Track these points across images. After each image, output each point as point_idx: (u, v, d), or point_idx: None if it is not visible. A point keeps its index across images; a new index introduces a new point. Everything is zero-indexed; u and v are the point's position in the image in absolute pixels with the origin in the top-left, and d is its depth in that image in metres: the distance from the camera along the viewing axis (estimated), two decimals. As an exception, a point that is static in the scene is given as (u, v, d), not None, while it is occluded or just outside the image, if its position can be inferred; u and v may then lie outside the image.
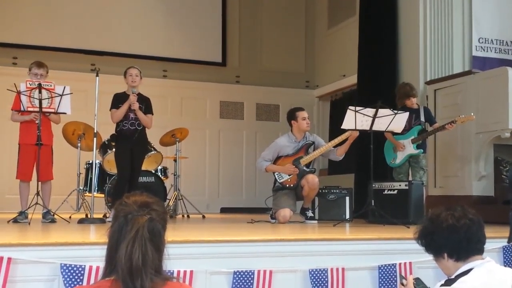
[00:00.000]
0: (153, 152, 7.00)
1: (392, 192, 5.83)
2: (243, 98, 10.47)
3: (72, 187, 7.22)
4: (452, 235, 2.23)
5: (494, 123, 5.96)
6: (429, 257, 2.39)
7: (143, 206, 1.84)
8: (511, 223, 3.93)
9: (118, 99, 5.82)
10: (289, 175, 6.05)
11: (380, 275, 3.64)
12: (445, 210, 2.27)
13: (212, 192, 10.10)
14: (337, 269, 3.54)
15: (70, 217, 6.12)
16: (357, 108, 5.44)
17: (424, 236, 2.32)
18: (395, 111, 5.58)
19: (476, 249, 2.26)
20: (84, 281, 3.00)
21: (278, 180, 6.10)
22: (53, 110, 5.34)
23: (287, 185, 6.06)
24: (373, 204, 5.45)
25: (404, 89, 6.24)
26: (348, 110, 5.47)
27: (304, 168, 6.04)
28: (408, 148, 6.10)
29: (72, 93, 5.36)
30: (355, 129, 5.56)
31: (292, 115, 6.21)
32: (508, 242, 3.91)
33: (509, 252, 3.89)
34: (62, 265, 3.02)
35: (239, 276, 3.35)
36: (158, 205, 1.88)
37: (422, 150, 6.12)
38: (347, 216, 6.27)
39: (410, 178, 6.16)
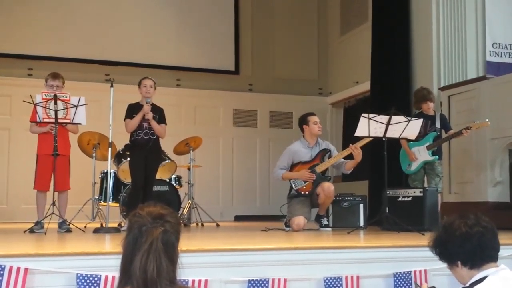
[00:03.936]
0: (167, 161, 7.03)
1: (406, 199, 5.80)
2: (256, 106, 10.49)
3: (88, 196, 7.27)
4: (466, 243, 2.22)
5: (509, 128, 5.92)
6: (444, 264, 2.39)
7: (157, 218, 1.86)
8: None
9: (132, 109, 5.87)
10: (305, 182, 6.05)
11: (395, 283, 3.62)
12: (458, 218, 2.27)
13: (226, 200, 10.11)
14: (352, 277, 3.53)
15: (85, 226, 6.16)
16: (371, 115, 5.43)
17: (437, 245, 2.31)
18: (409, 118, 5.56)
19: (490, 257, 2.25)
20: (100, 291, 3.03)
21: (294, 187, 6.10)
22: (68, 121, 5.40)
23: (303, 192, 6.06)
24: (387, 211, 5.43)
25: (421, 93, 6.23)
26: (361, 117, 5.46)
27: (320, 175, 6.05)
28: (423, 154, 6.06)
29: (87, 104, 5.41)
30: (369, 136, 5.55)
31: (303, 120, 6.25)
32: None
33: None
34: (78, 275, 3.05)
35: (254, 284, 3.36)
36: (172, 217, 1.89)
37: (437, 157, 6.09)
38: (361, 224, 6.25)
39: (426, 185, 6.13)
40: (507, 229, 4.25)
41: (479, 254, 2.23)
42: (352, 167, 6.06)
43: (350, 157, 6.05)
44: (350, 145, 5.84)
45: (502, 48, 7.17)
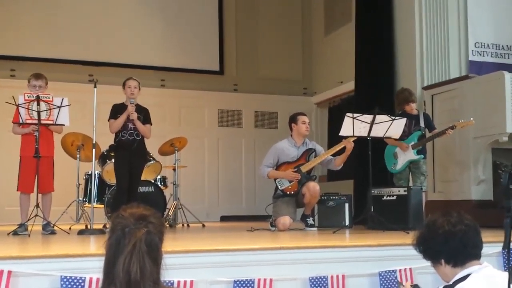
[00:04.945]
0: (152, 162, 7.01)
1: (391, 198, 5.84)
2: (241, 106, 10.49)
3: (72, 198, 7.22)
4: (448, 241, 2.24)
5: (492, 127, 5.97)
6: (429, 263, 2.40)
7: (140, 219, 1.85)
8: (506, 230, 3.92)
9: (117, 110, 5.84)
10: (290, 182, 6.06)
11: (381, 282, 3.64)
12: (441, 217, 2.29)
13: (211, 200, 10.10)
14: (337, 276, 3.54)
15: (70, 228, 6.12)
16: (355, 115, 5.46)
17: (421, 243, 2.33)
18: (393, 117, 5.59)
19: (473, 255, 2.27)
20: (84, 293, 3.01)
21: (279, 187, 6.10)
22: (51, 122, 5.35)
23: (288, 192, 6.07)
24: (372, 210, 5.45)
25: (403, 95, 6.27)
26: (346, 117, 5.49)
27: (305, 175, 6.06)
28: (409, 153, 6.10)
29: (70, 105, 5.37)
30: (353, 136, 5.57)
31: (293, 118, 6.27)
32: (503, 249, 3.89)
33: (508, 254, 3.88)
34: (62, 277, 3.02)
35: (239, 285, 3.35)
36: (155, 218, 1.88)
37: (422, 156, 6.13)
38: (347, 223, 6.27)
39: (411, 184, 6.16)
40: (490, 227, 4.28)
41: (462, 252, 2.24)
42: (342, 162, 6.06)
43: (336, 154, 6.07)
44: (344, 140, 5.80)
45: (484, 47, 7.23)
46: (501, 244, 3.88)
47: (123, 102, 5.91)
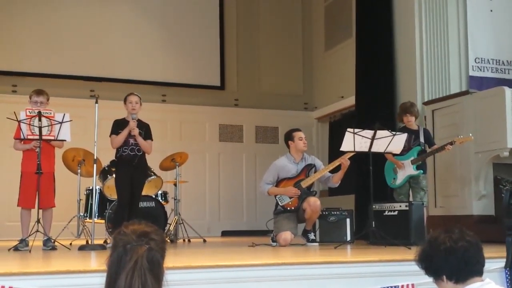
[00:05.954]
0: (153, 177, 7.01)
1: (392, 213, 5.82)
2: (242, 121, 10.50)
3: (73, 213, 7.20)
4: (450, 257, 2.24)
5: (493, 142, 5.97)
6: (431, 279, 2.40)
7: (142, 236, 1.84)
8: (508, 249, 3.91)
9: (118, 125, 5.86)
10: (290, 198, 6.06)
11: (383, 298, 3.62)
12: (443, 233, 2.29)
13: (212, 215, 10.08)
14: (339, 292, 3.53)
15: (70, 243, 6.11)
16: (356, 130, 5.47)
17: (423, 259, 2.33)
18: (393, 133, 5.60)
19: (474, 271, 2.26)
20: (85, 309, 3.00)
21: (280, 203, 6.11)
22: (53, 138, 5.37)
23: (289, 208, 6.08)
24: (373, 225, 5.44)
25: (404, 105, 6.30)
26: (346, 132, 5.49)
27: (306, 190, 6.06)
28: (408, 169, 6.10)
29: (71, 120, 5.39)
30: (354, 151, 5.58)
31: (288, 136, 6.28)
32: (505, 267, 3.88)
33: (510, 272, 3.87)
34: (63, 293, 3.01)
35: (241, 301, 3.34)
36: (157, 234, 1.88)
37: (422, 171, 6.13)
38: (348, 238, 6.25)
39: (411, 199, 6.16)
40: (492, 242, 4.27)
41: (464, 268, 2.24)
42: (339, 179, 6.08)
43: (334, 171, 6.08)
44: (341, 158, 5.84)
45: (485, 62, 7.26)
46: (504, 260, 3.89)
47: (124, 118, 5.93)
